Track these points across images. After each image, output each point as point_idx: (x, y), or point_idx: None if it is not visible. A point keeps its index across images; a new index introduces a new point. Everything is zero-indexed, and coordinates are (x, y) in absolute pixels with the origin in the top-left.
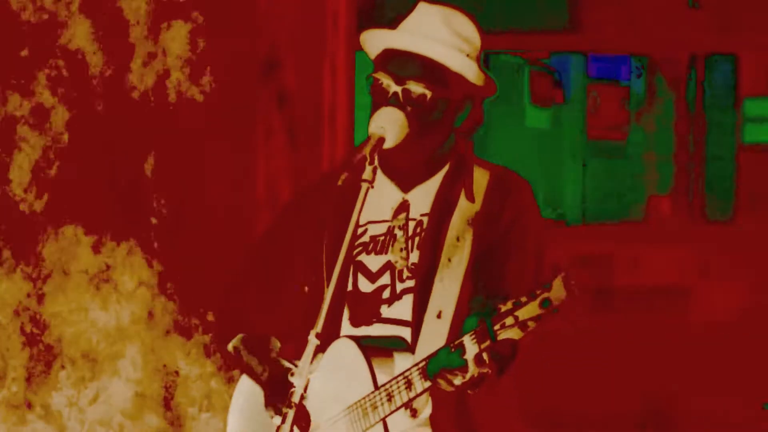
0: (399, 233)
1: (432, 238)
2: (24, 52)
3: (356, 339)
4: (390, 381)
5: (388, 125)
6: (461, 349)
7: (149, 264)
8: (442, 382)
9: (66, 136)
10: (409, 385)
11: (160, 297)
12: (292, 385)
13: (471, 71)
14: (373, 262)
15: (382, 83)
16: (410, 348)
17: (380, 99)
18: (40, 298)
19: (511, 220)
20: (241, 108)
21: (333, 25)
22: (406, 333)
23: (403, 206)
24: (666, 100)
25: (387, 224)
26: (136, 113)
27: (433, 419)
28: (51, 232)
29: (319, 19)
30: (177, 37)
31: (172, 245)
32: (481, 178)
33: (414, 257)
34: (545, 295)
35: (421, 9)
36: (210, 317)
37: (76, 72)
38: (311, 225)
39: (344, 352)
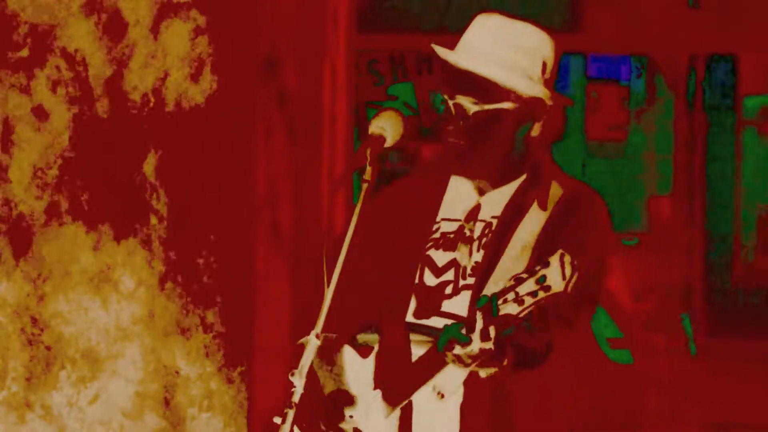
0: (467, 233)
1: (497, 239)
2: (24, 52)
3: (407, 324)
4: (420, 356)
5: (388, 126)
6: (470, 323)
7: (149, 264)
8: (449, 354)
9: (66, 136)
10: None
11: (160, 297)
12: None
13: (523, 85)
14: (441, 257)
15: (444, 97)
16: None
17: (444, 111)
18: (40, 298)
19: (574, 229)
20: (241, 108)
21: (333, 25)
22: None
23: (476, 209)
24: (666, 100)
25: (458, 223)
26: (136, 113)
27: (463, 408)
28: (51, 232)
29: (319, 19)
30: (177, 37)
31: (173, 245)
32: (556, 191)
33: (478, 256)
34: (542, 271)
35: (478, 22)
36: (210, 317)
37: (76, 72)
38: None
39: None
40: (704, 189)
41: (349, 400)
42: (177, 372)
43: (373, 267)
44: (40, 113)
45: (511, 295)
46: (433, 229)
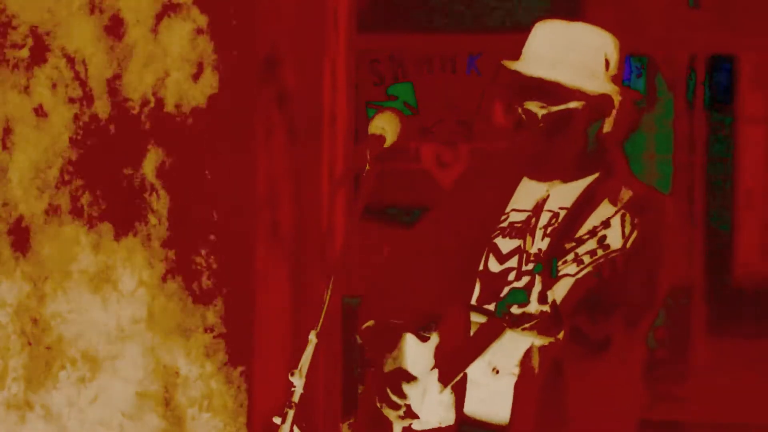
0: (534, 221)
1: (564, 229)
2: (24, 52)
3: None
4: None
5: (388, 126)
6: (527, 288)
7: (149, 264)
8: (506, 317)
9: (66, 136)
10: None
11: (160, 297)
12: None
13: (587, 83)
14: (506, 245)
15: (513, 107)
16: None
17: (513, 120)
18: (40, 298)
19: (635, 240)
20: (241, 108)
21: (333, 25)
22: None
23: (545, 200)
24: (666, 100)
25: (527, 213)
26: (136, 113)
27: (517, 386)
28: (51, 232)
29: (319, 19)
30: (177, 37)
31: (173, 245)
32: (625, 192)
33: (543, 244)
34: (603, 231)
35: (537, 29)
36: (210, 317)
37: (76, 72)
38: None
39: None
40: (704, 189)
41: (409, 377)
42: (177, 372)
43: (437, 254)
44: (40, 113)
45: (570, 256)
46: (502, 218)
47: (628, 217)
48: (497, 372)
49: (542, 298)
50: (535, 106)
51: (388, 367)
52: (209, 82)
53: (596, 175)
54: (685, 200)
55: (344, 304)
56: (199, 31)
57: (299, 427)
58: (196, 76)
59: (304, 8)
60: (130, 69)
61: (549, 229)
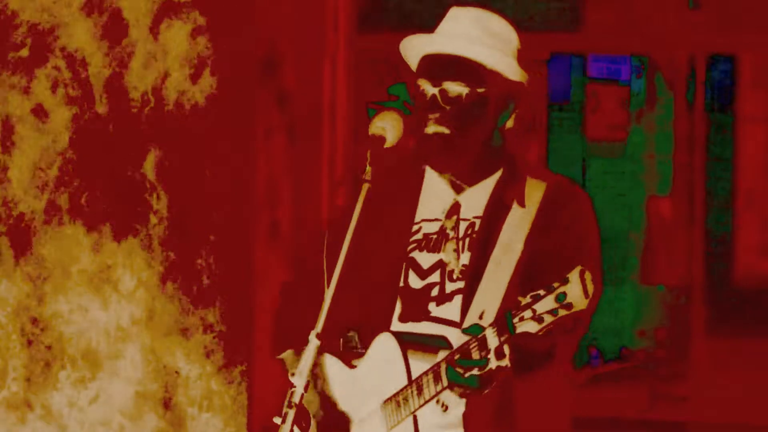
0: (451, 233)
1: (483, 240)
2: (24, 52)
3: (396, 333)
4: (421, 375)
5: (388, 125)
6: (480, 341)
7: (149, 264)
8: (455, 378)
9: (66, 136)
10: (437, 378)
11: (160, 297)
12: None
13: (507, 67)
14: (425, 259)
15: (423, 89)
16: (452, 347)
17: (421, 104)
18: (40, 298)
19: (566, 229)
20: (241, 108)
21: (333, 25)
22: (452, 333)
23: (455, 208)
24: (666, 100)
25: (439, 223)
26: (136, 113)
27: (466, 417)
28: (51, 232)
29: (319, 18)
30: (177, 37)
31: (173, 245)
32: (537, 186)
33: (465, 258)
34: (561, 289)
35: (453, 13)
36: (210, 317)
37: (76, 72)
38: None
39: (384, 346)
40: (704, 189)
41: (345, 423)
42: (177, 372)
43: (353, 268)
44: (40, 113)
45: (528, 313)
46: (414, 229)
47: (588, 275)
48: (446, 409)
49: (500, 355)
50: (456, 86)
51: (314, 406)
52: (209, 82)
53: (500, 173)
54: (685, 200)
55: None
56: (199, 31)
57: (299, 427)
58: (196, 76)
59: (304, 8)
60: (130, 69)
61: (467, 241)
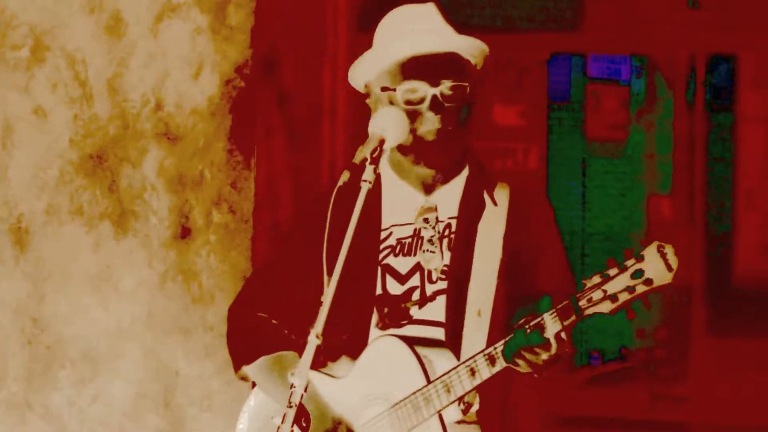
0: (427, 235)
1: (463, 240)
2: (24, 52)
3: (402, 336)
4: (448, 372)
5: (389, 125)
6: (540, 328)
7: (149, 264)
8: (521, 362)
9: (66, 136)
10: (472, 373)
11: (160, 297)
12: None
13: (471, 57)
14: (402, 264)
15: (416, 91)
16: (445, 346)
17: (416, 106)
18: (40, 298)
19: (540, 224)
20: (240, 108)
21: (333, 24)
22: (438, 334)
23: (429, 209)
24: (666, 100)
25: (412, 227)
26: (135, 113)
27: (480, 414)
28: (51, 232)
29: (319, 18)
30: (177, 37)
31: (173, 245)
32: (501, 185)
33: (446, 259)
34: (637, 266)
35: (409, 11)
36: (210, 317)
37: (76, 72)
38: (320, 230)
39: (389, 350)
40: (704, 189)
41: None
42: (177, 372)
43: (314, 281)
44: (40, 113)
45: (597, 294)
46: (384, 236)
47: (669, 249)
48: (467, 412)
49: (560, 339)
50: (452, 83)
51: (312, 413)
52: (209, 82)
53: (466, 171)
54: (685, 200)
55: None
56: (199, 31)
57: (299, 427)
58: (196, 76)
59: (304, 8)
60: (130, 69)
61: (445, 242)
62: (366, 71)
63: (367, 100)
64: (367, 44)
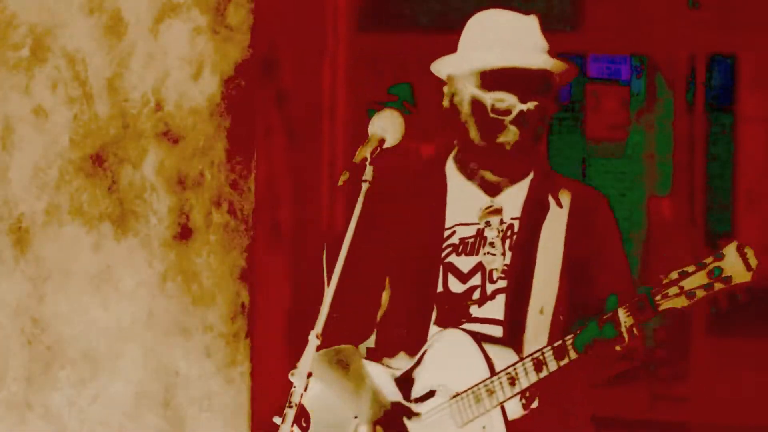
0: (490, 236)
1: (526, 241)
2: (24, 52)
3: (467, 330)
4: (513, 365)
5: (389, 126)
6: (614, 321)
7: (149, 264)
8: (592, 355)
9: (66, 136)
10: (539, 365)
11: (160, 297)
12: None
13: (566, 73)
14: (464, 263)
15: (504, 101)
16: (506, 343)
17: (501, 116)
18: (40, 298)
19: (603, 228)
20: (240, 108)
21: (332, 24)
22: (496, 331)
23: (494, 210)
24: (666, 100)
25: (476, 227)
26: (135, 113)
27: (540, 410)
28: (51, 232)
29: (318, 18)
30: (177, 37)
31: (173, 245)
32: (564, 194)
33: (507, 259)
34: (716, 264)
35: (513, 20)
36: (210, 317)
37: (76, 72)
38: (380, 227)
39: (454, 342)
40: (704, 189)
41: (410, 413)
42: (177, 372)
43: (379, 275)
44: (40, 113)
45: (674, 290)
46: (447, 234)
47: (749, 249)
48: (527, 407)
49: (632, 333)
50: (539, 101)
51: (361, 400)
52: (209, 82)
53: (532, 175)
54: (685, 200)
55: None
56: (199, 31)
57: (299, 427)
58: (196, 76)
59: (304, 8)
60: (130, 69)
61: (507, 242)
62: (456, 65)
63: (444, 88)
64: (367, 44)
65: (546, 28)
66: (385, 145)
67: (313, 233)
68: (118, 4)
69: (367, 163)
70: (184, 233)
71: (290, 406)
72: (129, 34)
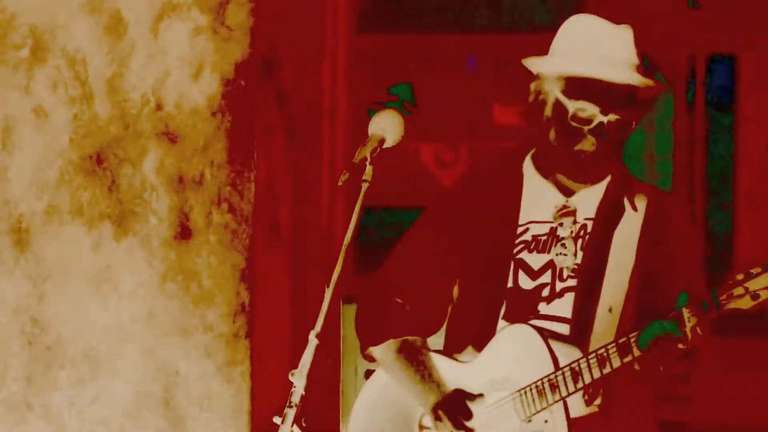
0: (563, 234)
1: (598, 242)
2: (24, 52)
3: (534, 326)
4: (577, 360)
5: (389, 126)
6: (678, 319)
7: (149, 264)
8: (655, 352)
9: (66, 136)
10: (602, 361)
11: (160, 297)
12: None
13: (639, 82)
14: (535, 260)
15: (585, 110)
16: (571, 341)
17: (581, 124)
18: (40, 298)
19: (678, 235)
20: (240, 108)
21: (332, 24)
22: (562, 329)
23: (568, 211)
24: (666, 99)
25: (549, 225)
26: (136, 113)
27: (603, 407)
28: (51, 232)
29: (318, 18)
30: (177, 37)
31: (173, 245)
32: (640, 198)
33: (578, 258)
34: None
35: (608, 29)
36: (210, 317)
37: (76, 72)
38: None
39: (521, 337)
40: (704, 189)
41: (471, 396)
42: (177, 372)
43: (451, 268)
44: (40, 113)
45: (739, 290)
46: (520, 231)
47: None
48: (589, 404)
49: (696, 333)
50: (620, 115)
51: (427, 390)
52: (209, 82)
53: (609, 177)
54: (685, 200)
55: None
56: (199, 30)
57: (299, 427)
58: (196, 76)
59: (304, 8)
60: (130, 69)
61: (579, 242)
62: (548, 65)
63: (531, 84)
64: (367, 44)
65: (546, 28)
66: (385, 145)
67: (313, 233)
68: (118, 4)
69: (367, 163)
70: (184, 233)
71: (290, 406)
72: (129, 34)
